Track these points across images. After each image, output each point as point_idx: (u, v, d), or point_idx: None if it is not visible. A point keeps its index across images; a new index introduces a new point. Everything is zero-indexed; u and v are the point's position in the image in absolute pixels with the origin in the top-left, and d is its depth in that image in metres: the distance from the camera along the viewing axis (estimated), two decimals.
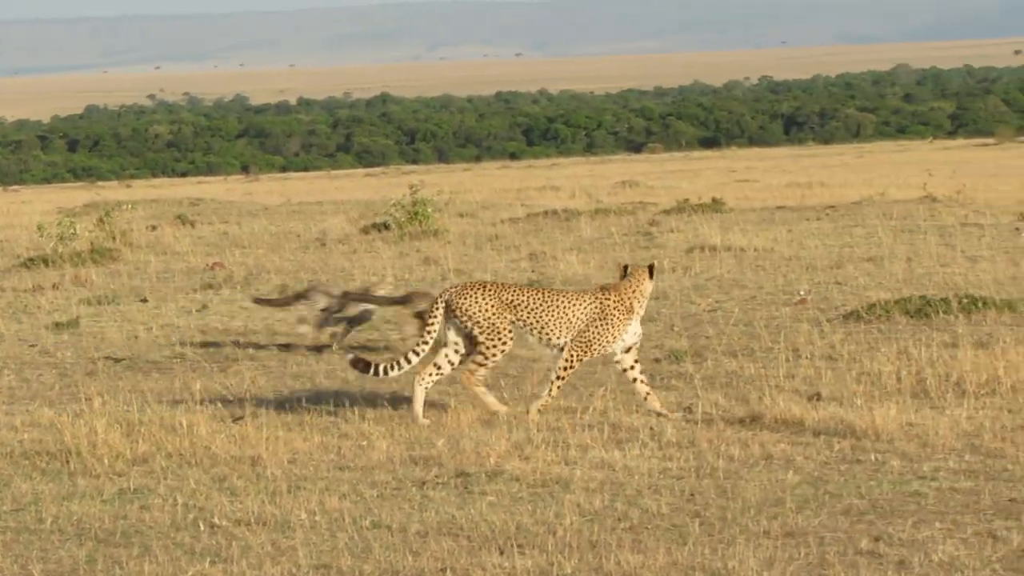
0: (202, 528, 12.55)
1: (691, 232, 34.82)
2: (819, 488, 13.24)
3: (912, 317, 18.95)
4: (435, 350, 16.43)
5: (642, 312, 16.45)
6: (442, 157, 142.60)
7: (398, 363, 16.44)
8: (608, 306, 15.93)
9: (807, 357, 18.98)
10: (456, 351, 16.19)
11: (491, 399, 16.32)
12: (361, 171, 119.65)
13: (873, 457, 14.12)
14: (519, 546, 11.43)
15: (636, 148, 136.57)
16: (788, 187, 57.41)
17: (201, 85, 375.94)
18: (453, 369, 16.44)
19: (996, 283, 25.02)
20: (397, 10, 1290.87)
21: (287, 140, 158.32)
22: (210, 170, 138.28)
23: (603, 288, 16.47)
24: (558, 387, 16.10)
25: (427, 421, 16.07)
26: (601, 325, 15.86)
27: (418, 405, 16.11)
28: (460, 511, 12.72)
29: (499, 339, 15.95)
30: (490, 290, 16.29)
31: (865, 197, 45.98)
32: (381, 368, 16.60)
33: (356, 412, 16.81)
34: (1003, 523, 11.73)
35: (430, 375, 16.16)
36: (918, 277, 25.79)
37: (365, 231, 38.62)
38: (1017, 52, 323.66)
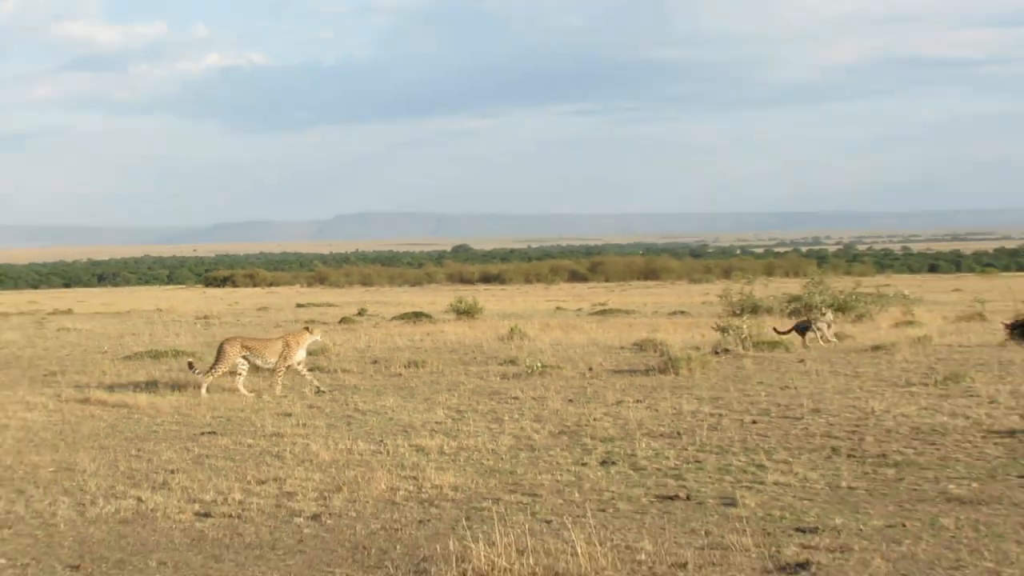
0: None
1: None
2: None
3: None
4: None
5: (305, 345, 20.05)
6: None
7: (208, 373, 19.65)
8: (290, 342, 19.75)
9: None
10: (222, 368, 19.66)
11: (241, 385, 19.61)
12: None
13: None
14: None
15: None
16: None
17: None
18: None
19: None
20: None
21: None
22: None
23: (287, 335, 20.45)
24: (281, 378, 19.60)
25: (252, 396, 19.07)
26: (286, 351, 19.57)
27: (239, 384, 19.60)
28: None
29: (229, 361, 19.63)
30: (239, 338, 20.17)
31: None
32: (199, 372, 19.84)
33: None
34: None
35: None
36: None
37: None
38: None
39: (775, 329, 28.13)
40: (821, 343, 27.03)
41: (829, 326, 27.65)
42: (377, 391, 19.59)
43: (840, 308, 35.17)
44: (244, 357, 19.89)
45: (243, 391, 19.41)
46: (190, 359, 21.48)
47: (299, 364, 20.05)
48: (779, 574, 8.70)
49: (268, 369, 20.11)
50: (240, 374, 19.79)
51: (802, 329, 27.49)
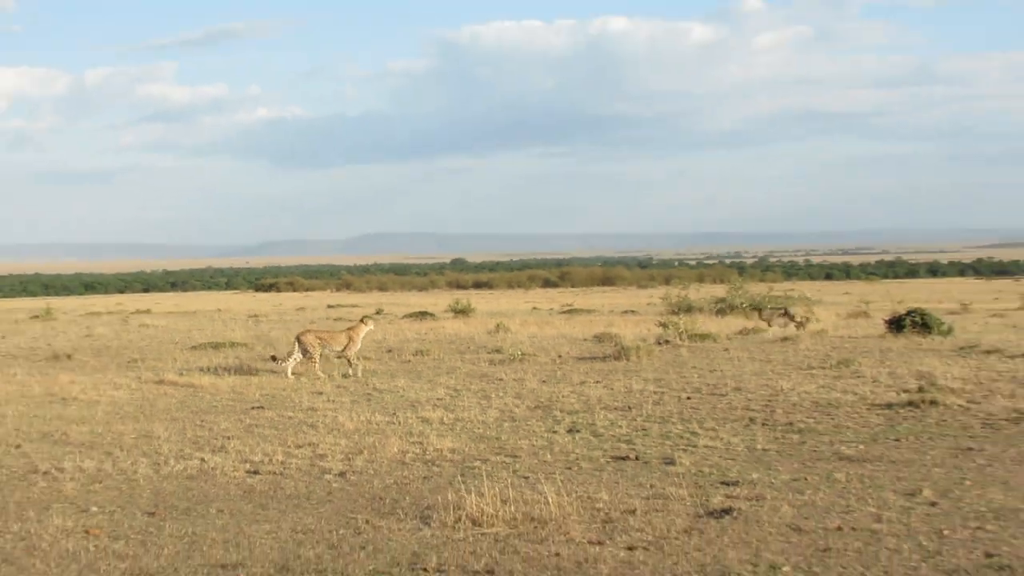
0: None
1: None
2: None
3: None
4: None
5: (363, 335, 19.47)
6: None
7: (282, 362, 19.09)
8: (351, 334, 19.10)
9: None
10: (297, 357, 19.01)
11: (320, 372, 18.75)
12: None
13: None
14: None
15: None
16: None
17: None
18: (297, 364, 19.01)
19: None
20: None
21: None
22: None
23: (349, 328, 19.77)
24: (354, 363, 18.88)
25: (292, 379, 18.33)
26: (350, 342, 18.95)
27: (289, 370, 18.77)
28: None
29: (316, 351, 18.81)
30: (311, 330, 19.57)
31: None
32: (279, 363, 19.16)
33: None
34: None
35: (292, 363, 18.92)
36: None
37: None
38: None
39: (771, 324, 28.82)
40: (794, 328, 27.82)
41: (787, 318, 28.46)
42: (391, 374, 19.53)
43: (757, 308, 35.23)
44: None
45: (289, 374, 19.08)
46: (272, 353, 21.16)
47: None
48: (708, 518, 8.69)
49: (334, 356, 19.64)
50: (295, 359, 19.33)
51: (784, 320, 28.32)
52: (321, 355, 19.41)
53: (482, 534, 8.28)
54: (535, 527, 8.38)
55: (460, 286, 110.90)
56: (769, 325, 28.07)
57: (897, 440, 11.98)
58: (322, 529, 8.62)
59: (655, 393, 16.08)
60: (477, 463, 11.04)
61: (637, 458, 11.20)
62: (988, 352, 21.13)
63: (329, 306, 56.51)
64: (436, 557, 7.71)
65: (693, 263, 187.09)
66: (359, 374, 19.00)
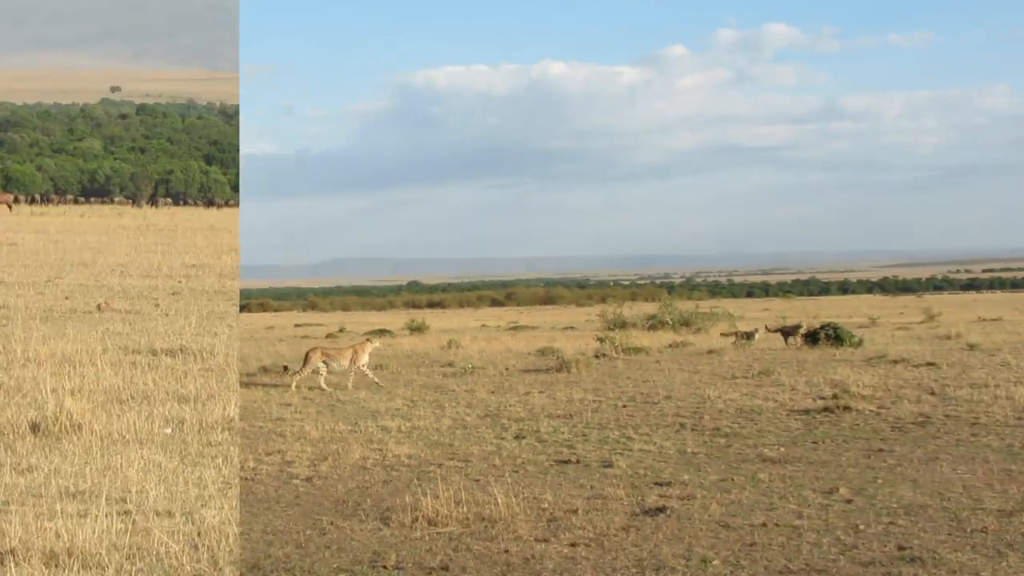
0: None
1: None
2: None
3: None
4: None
5: (369, 351, 18.96)
6: None
7: (296, 374, 18.67)
8: (357, 350, 18.58)
9: None
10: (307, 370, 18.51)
11: (323, 383, 18.25)
12: None
13: None
14: None
15: None
16: None
17: None
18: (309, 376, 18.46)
19: None
20: None
21: None
22: None
23: (354, 344, 19.37)
24: (352, 377, 18.37)
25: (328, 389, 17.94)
26: (355, 357, 18.45)
27: (322, 382, 18.23)
28: None
29: (310, 366, 18.39)
30: (319, 348, 19.24)
31: None
32: (292, 373, 18.96)
33: None
34: None
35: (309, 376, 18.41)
36: None
37: None
38: None
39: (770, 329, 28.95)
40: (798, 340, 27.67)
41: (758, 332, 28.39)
42: (353, 387, 19.34)
43: (685, 323, 35.40)
44: (323, 362, 19.03)
45: (323, 386, 18.61)
46: (285, 364, 20.87)
47: (363, 366, 19.20)
48: (644, 516, 8.66)
49: (341, 371, 19.26)
50: (321, 374, 18.92)
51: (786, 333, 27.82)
52: (319, 370, 19.01)
53: (437, 533, 8.20)
54: (486, 526, 8.30)
55: (415, 306, 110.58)
56: (785, 338, 27.63)
57: (815, 443, 12.04)
58: (290, 530, 8.48)
59: (594, 402, 16.08)
60: (432, 468, 10.94)
61: (578, 461, 11.16)
62: (895, 362, 21.38)
63: (296, 325, 56.07)
64: (395, 555, 7.61)
65: (627, 283, 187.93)
66: (349, 386, 18.64)
